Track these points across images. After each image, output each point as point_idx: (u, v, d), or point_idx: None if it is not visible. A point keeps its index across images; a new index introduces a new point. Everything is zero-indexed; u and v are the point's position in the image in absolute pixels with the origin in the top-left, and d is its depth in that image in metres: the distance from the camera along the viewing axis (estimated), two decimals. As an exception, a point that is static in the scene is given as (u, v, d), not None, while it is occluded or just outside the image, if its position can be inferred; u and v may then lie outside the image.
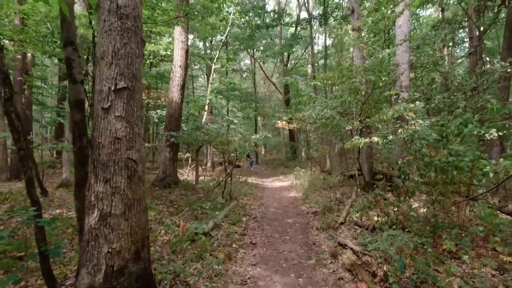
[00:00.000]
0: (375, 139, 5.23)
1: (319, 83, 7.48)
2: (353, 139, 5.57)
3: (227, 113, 22.86)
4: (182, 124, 9.85)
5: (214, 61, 11.21)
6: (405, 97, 7.90)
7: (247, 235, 5.47)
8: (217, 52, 11.85)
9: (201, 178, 13.84)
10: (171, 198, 8.05)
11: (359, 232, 5.31)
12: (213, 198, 8.85)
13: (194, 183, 11.10)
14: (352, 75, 6.82)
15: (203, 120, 11.26)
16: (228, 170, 9.04)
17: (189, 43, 11.11)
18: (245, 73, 27.20)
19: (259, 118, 38.59)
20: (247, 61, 38.82)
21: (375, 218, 5.96)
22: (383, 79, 5.91)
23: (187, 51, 10.84)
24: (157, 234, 4.92)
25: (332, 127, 6.81)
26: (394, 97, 8.19)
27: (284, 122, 15.07)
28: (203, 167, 19.82)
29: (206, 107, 11.44)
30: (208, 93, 11.29)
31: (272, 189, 12.04)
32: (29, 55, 13.50)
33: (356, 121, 6.52)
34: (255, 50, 27.88)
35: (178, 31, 10.66)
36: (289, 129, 21.24)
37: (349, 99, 6.34)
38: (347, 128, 6.18)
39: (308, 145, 23.45)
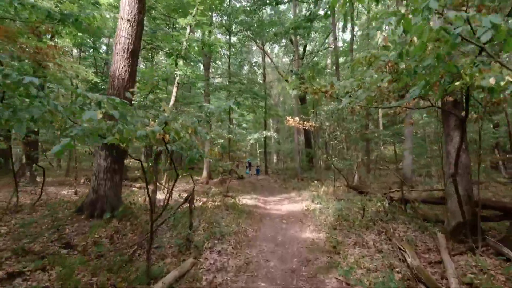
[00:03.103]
0: None
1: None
2: None
3: (229, 113, 18.77)
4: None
5: (192, 14, 7.08)
6: None
7: None
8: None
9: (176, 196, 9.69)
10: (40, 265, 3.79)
11: None
12: (161, 247, 4.68)
13: (153, 207, 6.92)
14: None
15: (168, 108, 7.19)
16: (185, 192, 4.79)
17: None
18: (254, 66, 23.03)
19: (271, 121, 34.30)
20: (258, 59, 34.77)
21: None
22: None
23: (140, -2, 6.85)
24: None
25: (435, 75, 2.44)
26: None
27: (296, 119, 10.77)
28: (196, 179, 15.72)
29: (175, 90, 7.31)
30: (176, 61, 7.07)
31: (275, 218, 7.67)
32: None
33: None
34: (264, 40, 23.87)
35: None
36: (304, 129, 16.83)
37: None
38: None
39: (326, 148, 18.84)
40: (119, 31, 6.70)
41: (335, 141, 11.69)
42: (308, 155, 20.94)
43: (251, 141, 9.43)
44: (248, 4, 16.88)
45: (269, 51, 30.22)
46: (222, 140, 14.45)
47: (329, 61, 24.52)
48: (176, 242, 4.64)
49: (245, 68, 26.06)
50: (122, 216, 6.18)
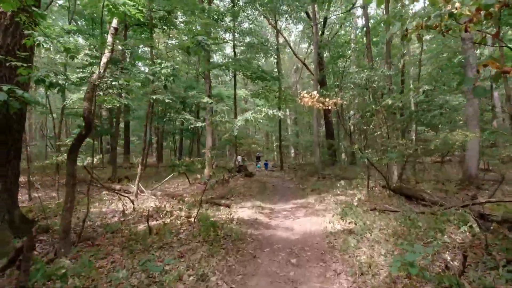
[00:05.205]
0: None
1: None
2: None
3: (234, 100, 15.78)
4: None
5: None
6: None
7: None
8: None
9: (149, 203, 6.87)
10: None
11: None
12: None
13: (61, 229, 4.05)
14: None
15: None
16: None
17: None
18: (266, 47, 19.65)
19: (287, 111, 30.69)
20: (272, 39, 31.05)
21: None
22: None
23: None
24: None
25: None
26: None
27: (314, 94, 7.58)
28: (196, 177, 12.89)
29: (110, 38, 4.38)
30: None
31: (280, 250, 4.59)
32: None
33: None
34: (277, 17, 20.45)
35: None
36: (324, 115, 13.51)
37: None
38: None
39: (351, 138, 15.32)
40: None
41: (370, 126, 8.31)
42: (330, 147, 17.53)
43: (239, 123, 6.65)
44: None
45: (285, 35, 26.54)
46: (202, 124, 11.44)
47: (353, 36, 20.72)
48: None
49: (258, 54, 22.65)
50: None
